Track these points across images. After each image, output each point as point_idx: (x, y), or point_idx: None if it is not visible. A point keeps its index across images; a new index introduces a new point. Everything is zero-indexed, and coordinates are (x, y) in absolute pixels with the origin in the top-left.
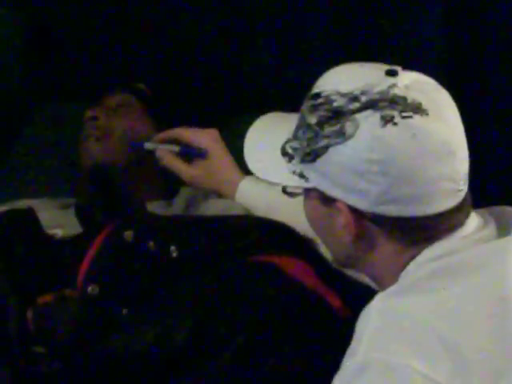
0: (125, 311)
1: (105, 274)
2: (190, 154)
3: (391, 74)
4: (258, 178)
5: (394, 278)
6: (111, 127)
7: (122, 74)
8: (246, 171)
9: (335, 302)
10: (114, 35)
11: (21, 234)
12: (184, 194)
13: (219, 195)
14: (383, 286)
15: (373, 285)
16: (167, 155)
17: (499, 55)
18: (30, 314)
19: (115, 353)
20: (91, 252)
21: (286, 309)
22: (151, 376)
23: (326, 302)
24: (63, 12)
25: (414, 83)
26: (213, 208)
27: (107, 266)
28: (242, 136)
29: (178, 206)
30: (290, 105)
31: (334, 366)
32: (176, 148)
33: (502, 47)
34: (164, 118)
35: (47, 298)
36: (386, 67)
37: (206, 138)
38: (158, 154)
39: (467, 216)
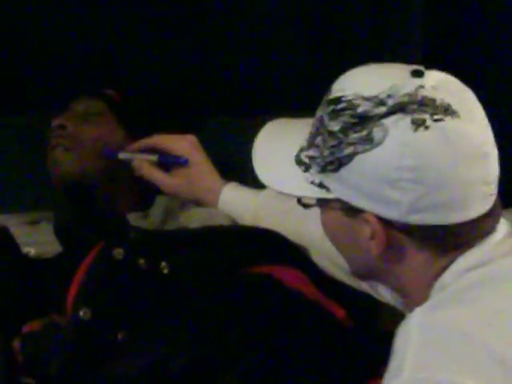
0: (120, 335)
1: (96, 296)
2: (169, 162)
3: (417, 74)
4: (239, 184)
5: (424, 288)
6: (80, 136)
7: (88, 80)
8: (226, 178)
9: (339, 312)
10: (78, 37)
11: None
12: (160, 203)
13: (199, 204)
14: (411, 298)
15: (375, 293)
16: (144, 165)
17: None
18: (17, 344)
19: (111, 381)
20: (80, 273)
21: (293, 324)
22: None
23: (330, 312)
24: (21, 11)
25: (440, 83)
26: (195, 218)
27: (98, 287)
28: (218, 140)
29: (155, 217)
30: (266, 107)
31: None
32: (154, 157)
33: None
34: (135, 125)
35: (34, 325)
36: (409, 67)
37: (185, 145)
38: (135, 163)
39: (498, 221)
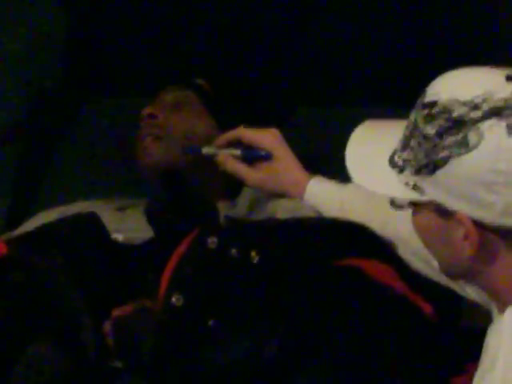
0: (211, 322)
1: (189, 283)
2: (254, 157)
3: None
4: (324, 178)
5: None
6: (170, 126)
7: (178, 68)
8: (310, 171)
9: (426, 307)
10: (169, 25)
11: (89, 242)
12: (247, 194)
13: (284, 196)
14: (501, 298)
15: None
16: (228, 160)
17: None
18: (107, 328)
19: (203, 367)
20: (174, 260)
21: (382, 318)
22: None
23: (418, 308)
24: (109, 1)
25: None
26: (281, 209)
27: (192, 274)
28: (301, 133)
29: (241, 207)
30: (349, 99)
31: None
32: (237, 152)
33: None
34: (224, 115)
35: (126, 309)
36: (504, 72)
37: (269, 139)
38: (219, 159)
39: None
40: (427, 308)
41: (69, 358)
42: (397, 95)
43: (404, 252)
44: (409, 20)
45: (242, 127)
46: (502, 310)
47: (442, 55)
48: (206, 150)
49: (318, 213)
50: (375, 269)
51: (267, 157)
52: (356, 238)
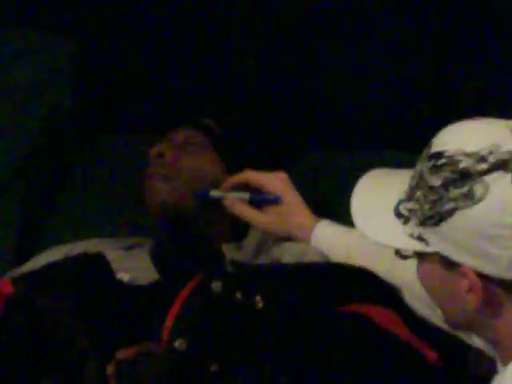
0: (213, 367)
1: (193, 328)
2: (262, 201)
3: None
4: (331, 222)
5: None
6: (178, 166)
7: (187, 108)
8: (317, 213)
9: (431, 354)
10: (179, 64)
11: (95, 282)
12: (254, 236)
13: (291, 240)
14: (505, 351)
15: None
16: (236, 203)
17: None
18: (111, 370)
19: None
20: (177, 303)
21: (385, 364)
22: None
23: (421, 354)
24: (119, 38)
25: None
26: (288, 252)
27: (195, 319)
28: (310, 176)
29: (247, 251)
30: (357, 142)
31: None
32: (246, 195)
33: None
34: (231, 157)
35: (130, 352)
36: (510, 124)
37: (277, 183)
38: (226, 202)
39: None
40: (432, 355)
41: None
42: (408, 140)
43: (409, 298)
44: (422, 66)
45: (249, 170)
46: (505, 362)
47: (453, 103)
48: (214, 193)
49: (325, 257)
50: (380, 315)
51: (275, 201)
52: (361, 283)
